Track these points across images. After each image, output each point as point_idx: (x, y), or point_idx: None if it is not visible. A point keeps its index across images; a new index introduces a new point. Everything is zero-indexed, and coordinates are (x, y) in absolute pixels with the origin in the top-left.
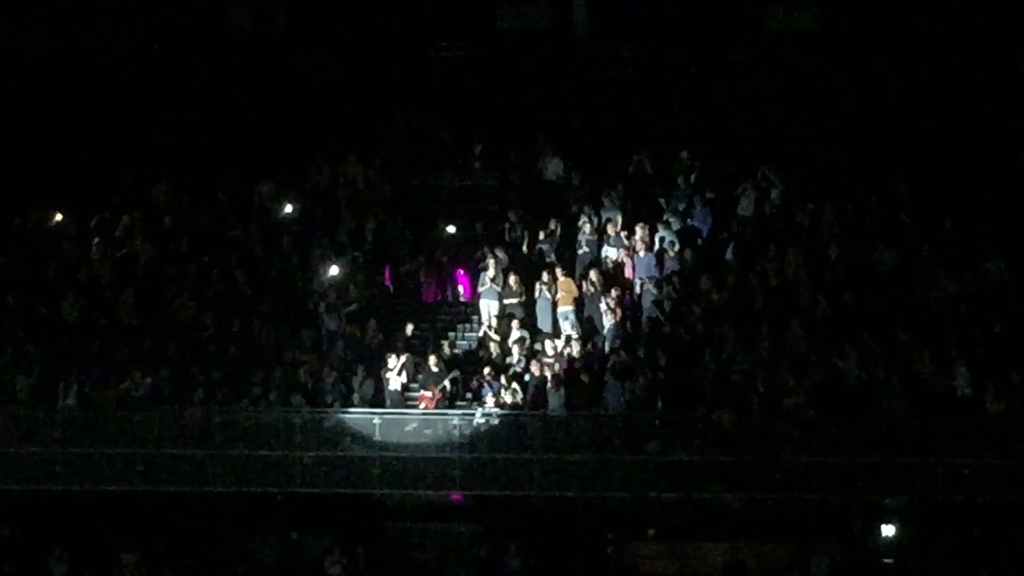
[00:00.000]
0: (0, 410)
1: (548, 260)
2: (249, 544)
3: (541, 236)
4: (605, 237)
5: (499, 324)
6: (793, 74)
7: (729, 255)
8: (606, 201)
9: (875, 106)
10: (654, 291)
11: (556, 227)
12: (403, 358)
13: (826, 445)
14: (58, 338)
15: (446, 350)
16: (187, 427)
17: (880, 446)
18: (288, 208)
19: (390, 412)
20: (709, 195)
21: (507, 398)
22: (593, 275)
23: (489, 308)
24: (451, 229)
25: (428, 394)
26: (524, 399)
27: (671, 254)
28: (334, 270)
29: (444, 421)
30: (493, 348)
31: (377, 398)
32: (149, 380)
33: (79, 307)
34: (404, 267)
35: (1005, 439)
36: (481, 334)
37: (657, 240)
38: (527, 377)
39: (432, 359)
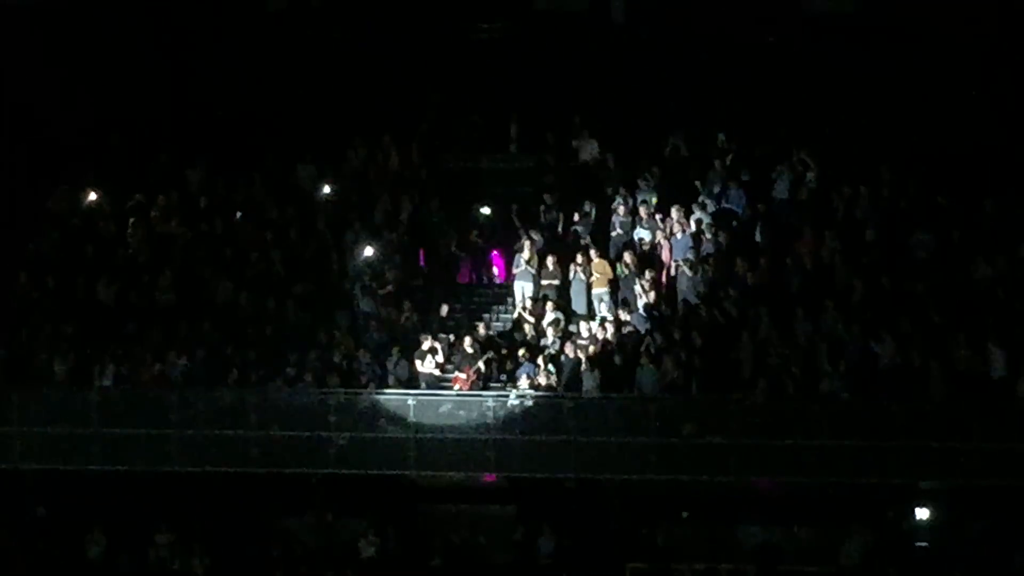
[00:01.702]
0: (37, 390)
1: (583, 242)
2: (284, 525)
3: (576, 218)
4: (639, 219)
5: (534, 306)
6: (830, 57)
7: (758, 237)
8: (641, 183)
9: (912, 89)
10: (689, 273)
11: (591, 209)
12: (438, 339)
13: (861, 429)
14: (94, 319)
15: (481, 332)
16: None
17: (915, 430)
18: (326, 189)
19: (425, 393)
20: (745, 177)
21: (541, 380)
22: (627, 257)
23: (524, 290)
24: (485, 211)
25: (463, 375)
26: (558, 381)
27: (707, 236)
28: (369, 251)
29: (478, 402)
30: (528, 330)
31: (412, 379)
32: (185, 361)
33: (115, 288)
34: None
35: None
36: (516, 316)
37: (693, 222)
38: (562, 359)
39: (467, 340)
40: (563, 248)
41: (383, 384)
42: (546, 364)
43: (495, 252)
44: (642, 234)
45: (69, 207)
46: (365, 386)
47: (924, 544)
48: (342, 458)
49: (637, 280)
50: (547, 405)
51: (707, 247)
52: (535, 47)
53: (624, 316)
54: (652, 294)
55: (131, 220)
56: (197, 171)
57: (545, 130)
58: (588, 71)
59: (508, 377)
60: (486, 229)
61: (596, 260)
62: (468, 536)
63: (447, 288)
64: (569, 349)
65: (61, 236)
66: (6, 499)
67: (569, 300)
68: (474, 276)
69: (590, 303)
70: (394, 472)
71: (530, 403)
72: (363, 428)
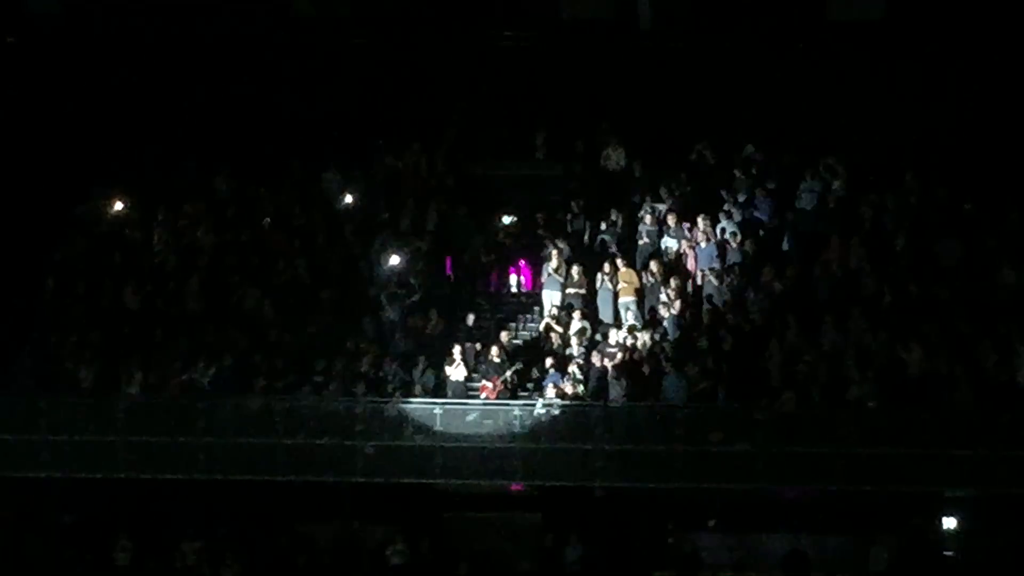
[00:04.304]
0: (64, 398)
1: (610, 250)
2: (310, 533)
3: (603, 226)
4: (665, 227)
5: (560, 314)
6: (857, 64)
7: (786, 246)
8: (667, 191)
9: (939, 97)
10: (715, 282)
11: (618, 217)
12: (465, 348)
13: (888, 436)
14: (122, 326)
15: (504, 339)
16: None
17: (942, 437)
18: (348, 198)
19: (451, 402)
20: (771, 185)
21: (568, 389)
22: (653, 266)
23: (551, 299)
24: (507, 219)
25: (490, 384)
26: (585, 390)
27: (733, 245)
28: (396, 259)
29: (505, 411)
30: (555, 339)
31: (438, 388)
32: (212, 369)
33: (142, 295)
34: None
35: None
36: (543, 325)
37: (719, 231)
38: (587, 368)
39: (494, 349)
40: (590, 257)
41: (409, 393)
42: (573, 373)
43: (522, 261)
44: (669, 243)
45: (96, 214)
46: (391, 394)
47: (951, 553)
48: (369, 466)
49: (663, 289)
50: (574, 414)
51: (733, 256)
52: (562, 54)
53: (650, 325)
54: (678, 303)
55: (157, 229)
56: (224, 178)
57: (572, 138)
58: (615, 78)
59: (535, 386)
60: (510, 238)
61: (623, 269)
62: (495, 544)
63: (474, 297)
64: (596, 358)
65: (88, 243)
66: (34, 507)
67: (596, 309)
68: (501, 285)
69: (616, 312)
70: (421, 480)
71: (556, 412)
72: (389, 436)
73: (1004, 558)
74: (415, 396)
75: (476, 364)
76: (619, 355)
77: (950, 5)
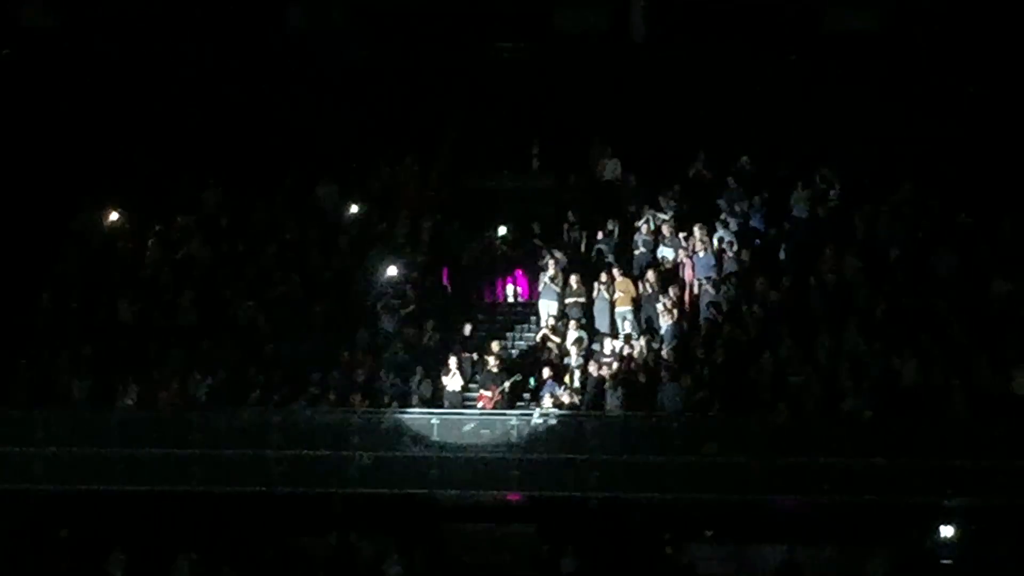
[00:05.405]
0: (58, 411)
1: (606, 260)
2: (307, 544)
3: (599, 236)
4: (661, 237)
5: (557, 324)
6: (852, 75)
7: (782, 255)
8: (663, 201)
9: (933, 108)
10: (711, 292)
11: (614, 227)
12: (461, 359)
13: (883, 447)
14: (116, 339)
15: (495, 348)
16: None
17: (938, 448)
18: (353, 208)
19: (448, 412)
20: (766, 195)
21: (564, 398)
22: (650, 275)
23: (548, 308)
24: (502, 231)
25: (487, 394)
26: (582, 400)
27: (730, 255)
28: (391, 271)
29: (502, 422)
30: (552, 349)
31: (435, 398)
32: (207, 381)
33: (137, 308)
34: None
35: None
36: (539, 335)
37: (715, 241)
38: (582, 377)
39: (491, 359)
40: (586, 266)
41: (406, 403)
42: (569, 382)
43: (518, 271)
44: (665, 252)
45: (91, 228)
46: (388, 405)
47: (948, 562)
48: (365, 477)
49: (660, 298)
50: (570, 424)
51: (729, 265)
52: (556, 66)
53: (647, 334)
54: (675, 312)
55: (151, 242)
56: (218, 191)
57: (567, 149)
58: (609, 90)
59: (531, 396)
60: (507, 247)
61: (619, 278)
62: (491, 555)
63: (470, 307)
64: (592, 367)
65: (83, 257)
66: (29, 520)
67: (592, 318)
68: (497, 295)
69: (613, 321)
70: (417, 491)
71: (553, 422)
72: (386, 447)
73: (1001, 567)
74: (412, 407)
75: (472, 374)
76: (615, 365)
77: (945, 16)
